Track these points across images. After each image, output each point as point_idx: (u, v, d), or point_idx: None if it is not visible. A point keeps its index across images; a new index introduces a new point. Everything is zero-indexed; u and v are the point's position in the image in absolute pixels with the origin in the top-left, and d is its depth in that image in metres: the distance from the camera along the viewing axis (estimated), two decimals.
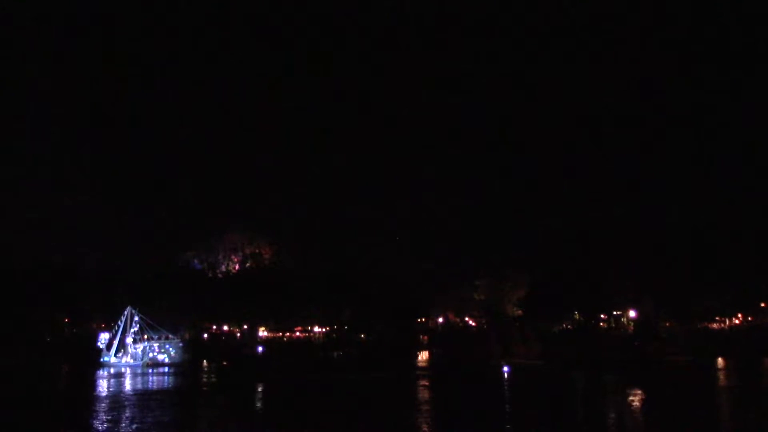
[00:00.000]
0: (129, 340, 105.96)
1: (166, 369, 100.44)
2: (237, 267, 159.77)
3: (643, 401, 61.20)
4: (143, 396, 68.39)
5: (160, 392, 72.77)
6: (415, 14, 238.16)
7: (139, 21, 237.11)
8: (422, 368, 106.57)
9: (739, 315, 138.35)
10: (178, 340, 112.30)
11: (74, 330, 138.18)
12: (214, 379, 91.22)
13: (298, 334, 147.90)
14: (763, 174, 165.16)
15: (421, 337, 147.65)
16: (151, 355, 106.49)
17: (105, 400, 65.15)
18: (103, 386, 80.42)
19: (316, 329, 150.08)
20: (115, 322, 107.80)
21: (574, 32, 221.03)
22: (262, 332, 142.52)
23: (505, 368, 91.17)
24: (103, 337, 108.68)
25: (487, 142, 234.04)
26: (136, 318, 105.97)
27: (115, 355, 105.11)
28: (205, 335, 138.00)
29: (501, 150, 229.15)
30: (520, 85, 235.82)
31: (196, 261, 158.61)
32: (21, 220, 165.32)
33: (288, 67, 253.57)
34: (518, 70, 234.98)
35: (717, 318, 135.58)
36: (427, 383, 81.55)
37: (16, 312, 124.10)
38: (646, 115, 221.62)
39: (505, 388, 76.63)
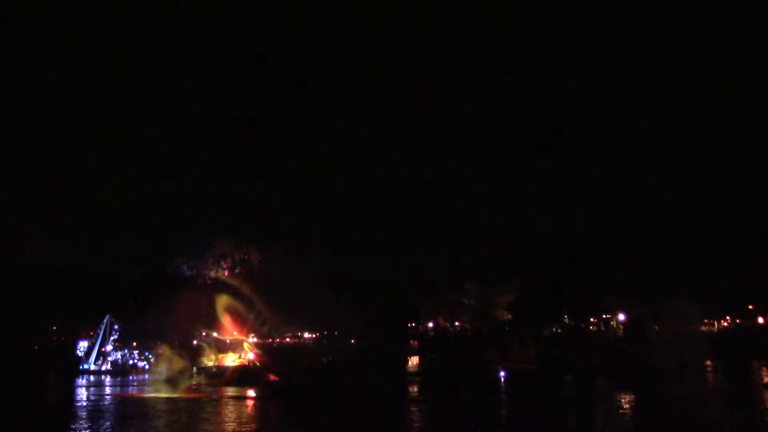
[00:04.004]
0: (109, 347, 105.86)
1: (146, 377, 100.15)
2: (226, 273, 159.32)
3: (639, 405, 61.59)
4: (118, 404, 68.25)
5: (140, 401, 72.58)
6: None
7: (136, 23, 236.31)
8: (414, 374, 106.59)
9: (728, 317, 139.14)
10: (159, 348, 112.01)
11: (62, 338, 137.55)
12: (196, 386, 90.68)
13: (288, 340, 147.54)
14: (755, 178, 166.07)
15: (411, 342, 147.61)
16: (131, 362, 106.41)
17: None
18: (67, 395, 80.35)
19: (306, 335, 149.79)
20: (95, 331, 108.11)
21: (572, 31, 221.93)
22: (252, 338, 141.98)
23: (502, 373, 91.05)
24: (82, 345, 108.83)
25: (481, 143, 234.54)
26: (116, 326, 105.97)
27: (94, 363, 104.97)
28: (195, 342, 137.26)
29: (493, 153, 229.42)
30: (515, 84, 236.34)
31: (185, 267, 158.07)
32: (8, 228, 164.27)
33: (284, 69, 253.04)
34: (513, 69, 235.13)
35: (706, 321, 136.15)
36: (423, 388, 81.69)
37: (3, 320, 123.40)
38: (643, 115, 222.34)
39: (503, 393, 76.70)
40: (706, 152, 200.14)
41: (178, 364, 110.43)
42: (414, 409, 62.86)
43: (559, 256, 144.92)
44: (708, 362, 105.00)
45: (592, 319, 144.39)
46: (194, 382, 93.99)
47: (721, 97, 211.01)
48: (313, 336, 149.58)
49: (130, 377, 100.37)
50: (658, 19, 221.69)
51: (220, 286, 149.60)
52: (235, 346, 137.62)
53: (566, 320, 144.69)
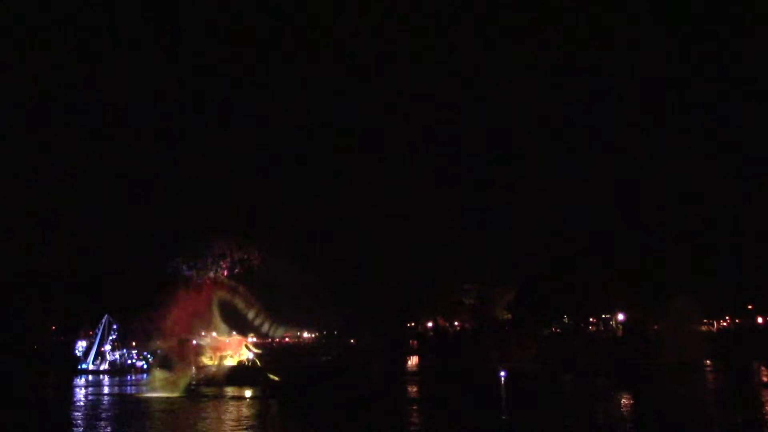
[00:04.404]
0: (107, 347, 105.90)
1: (145, 376, 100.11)
2: (226, 273, 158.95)
3: (639, 404, 61.58)
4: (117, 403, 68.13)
5: (138, 401, 72.52)
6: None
7: (136, 22, 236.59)
8: (414, 373, 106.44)
9: (727, 317, 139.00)
10: (158, 348, 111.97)
11: (62, 338, 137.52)
12: (195, 386, 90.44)
13: (287, 339, 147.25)
14: (753, 179, 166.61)
15: (410, 341, 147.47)
16: (129, 362, 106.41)
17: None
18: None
19: (306, 335, 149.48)
20: (94, 331, 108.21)
21: (571, 32, 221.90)
22: (251, 338, 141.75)
23: (502, 372, 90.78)
24: (81, 345, 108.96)
25: (480, 145, 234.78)
26: (115, 326, 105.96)
27: (92, 363, 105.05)
28: (194, 342, 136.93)
29: (493, 155, 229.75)
30: (518, 87, 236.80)
31: (184, 267, 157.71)
32: (9, 228, 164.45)
33: (283, 70, 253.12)
34: (514, 74, 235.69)
35: (705, 320, 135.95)
36: (422, 388, 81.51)
37: (4, 320, 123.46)
38: (644, 117, 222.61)
39: (503, 392, 76.46)
40: (707, 153, 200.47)
41: (177, 363, 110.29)
42: (413, 408, 62.74)
43: (558, 256, 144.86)
44: (707, 361, 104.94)
45: (591, 319, 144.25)
46: (193, 382, 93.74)
47: (720, 96, 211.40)
48: (313, 336, 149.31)
49: (129, 377, 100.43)
50: (658, 20, 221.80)
51: (219, 286, 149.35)
52: (235, 346, 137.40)
53: (566, 320, 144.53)
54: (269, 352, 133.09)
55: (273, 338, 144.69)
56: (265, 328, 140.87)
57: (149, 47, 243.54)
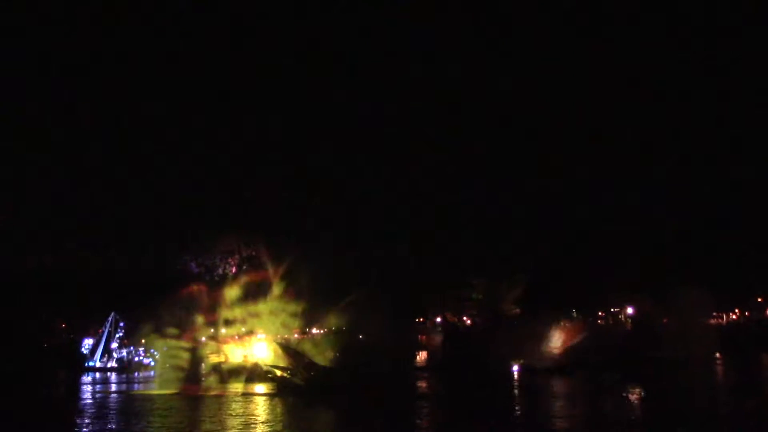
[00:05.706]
0: (114, 344, 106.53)
1: (152, 374, 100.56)
2: (234, 269, 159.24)
3: (649, 399, 61.35)
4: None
5: (144, 398, 72.69)
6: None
7: (136, 20, 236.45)
8: (423, 368, 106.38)
9: (736, 310, 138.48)
10: (165, 345, 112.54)
11: (71, 335, 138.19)
12: (203, 383, 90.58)
13: (296, 335, 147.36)
14: (760, 171, 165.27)
15: (419, 337, 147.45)
16: (136, 359, 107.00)
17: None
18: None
19: (315, 330, 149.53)
20: (101, 329, 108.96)
21: (573, 31, 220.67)
22: (260, 334, 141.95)
23: (513, 368, 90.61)
24: (87, 342, 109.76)
25: (485, 139, 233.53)
26: (122, 324, 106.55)
27: (99, 360, 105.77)
28: (202, 338, 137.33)
29: (499, 148, 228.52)
30: (518, 83, 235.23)
31: (192, 264, 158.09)
32: (17, 224, 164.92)
33: (282, 65, 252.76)
34: (515, 68, 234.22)
35: (714, 313, 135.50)
36: (432, 383, 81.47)
37: (13, 317, 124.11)
38: (645, 113, 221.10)
39: (513, 388, 76.33)
40: (711, 149, 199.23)
41: (184, 360, 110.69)
42: (424, 404, 62.66)
43: (566, 251, 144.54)
44: (717, 354, 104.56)
45: (600, 313, 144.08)
46: (201, 379, 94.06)
47: (721, 96, 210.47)
48: (321, 332, 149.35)
49: (136, 374, 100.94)
50: (658, 19, 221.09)
51: (227, 283, 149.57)
52: (242, 343, 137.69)
53: (575, 315, 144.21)
54: (277, 349, 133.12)
55: (281, 334, 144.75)
56: (274, 324, 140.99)
57: (149, 46, 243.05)
